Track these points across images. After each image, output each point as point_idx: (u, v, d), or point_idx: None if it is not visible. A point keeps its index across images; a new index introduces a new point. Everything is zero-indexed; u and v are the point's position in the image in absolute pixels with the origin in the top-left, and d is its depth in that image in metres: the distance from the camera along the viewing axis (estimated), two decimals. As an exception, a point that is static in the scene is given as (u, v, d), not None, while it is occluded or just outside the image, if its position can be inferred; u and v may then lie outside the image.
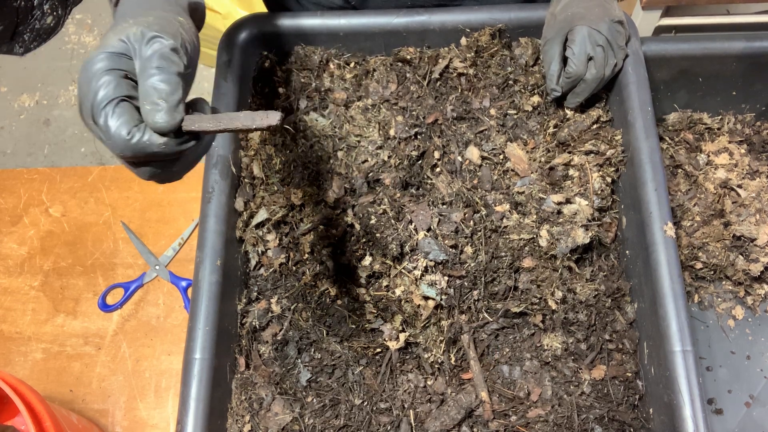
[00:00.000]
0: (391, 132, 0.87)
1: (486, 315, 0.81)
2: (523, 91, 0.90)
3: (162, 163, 0.49)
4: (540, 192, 0.83)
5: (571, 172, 0.85)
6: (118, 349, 0.98)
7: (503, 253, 0.82)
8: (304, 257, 0.83)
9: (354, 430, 0.78)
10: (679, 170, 0.97)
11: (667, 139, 0.99)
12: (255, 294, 0.84)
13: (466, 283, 0.81)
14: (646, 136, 0.81)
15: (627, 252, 0.85)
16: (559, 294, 0.81)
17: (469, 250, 0.81)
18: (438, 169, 0.87)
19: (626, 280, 0.85)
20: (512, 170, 0.86)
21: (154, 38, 0.47)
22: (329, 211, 0.83)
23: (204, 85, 2.10)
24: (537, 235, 0.81)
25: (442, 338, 0.81)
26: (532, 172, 0.85)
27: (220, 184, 0.81)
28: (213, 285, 0.77)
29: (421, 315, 0.80)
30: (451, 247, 0.81)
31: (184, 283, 1.01)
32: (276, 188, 0.86)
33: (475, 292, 0.81)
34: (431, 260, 0.80)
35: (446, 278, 0.80)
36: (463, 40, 0.91)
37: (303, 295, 0.83)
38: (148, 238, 1.05)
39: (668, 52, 0.91)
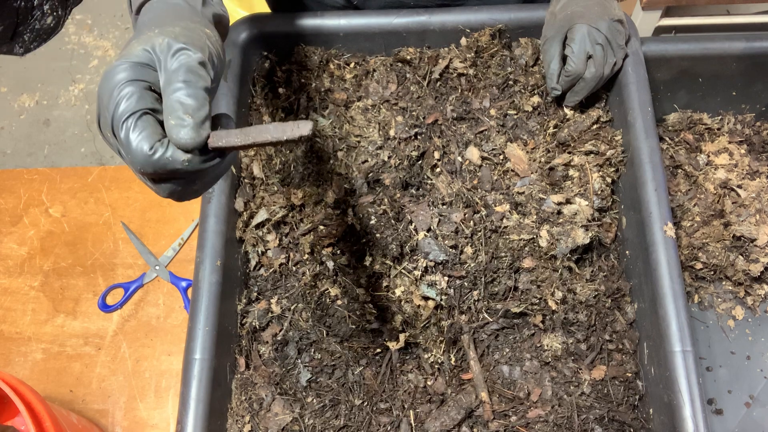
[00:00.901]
0: (391, 132, 0.88)
1: (486, 315, 0.81)
2: (523, 91, 0.90)
3: (183, 181, 0.46)
4: (540, 192, 0.83)
5: (571, 172, 0.85)
6: (118, 350, 0.98)
7: (503, 254, 0.82)
8: (304, 257, 0.83)
9: (354, 430, 0.78)
10: (679, 170, 0.97)
11: (667, 139, 0.99)
12: (255, 294, 0.84)
13: (466, 284, 0.81)
14: (646, 136, 0.81)
15: (627, 252, 0.85)
16: (559, 294, 0.81)
17: (469, 250, 0.81)
18: (438, 170, 0.87)
19: (626, 281, 0.85)
20: (512, 170, 0.86)
21: (180, 50, 0.44)
22: (329, 211, 0.83)
23: (204, 85, 2.10)
24: (537, 236, 0.81)
25: (442, 338, 0.81)
26: (532, 173, 0.85)
27: (220, 184, 0.81)
28: (213, 285, 0.77)
29: (421, 315, 0.80)
30: (451, 247, 0.81)
31: (184, 284, 1.01)
32: (276, 188, 0.86)
33: (475, 293, 0.81)
34: (431, 260, 0.80)
35: (446, 278, 0.80)
36: (463, 41, 0.91)
37: (303, 295, 0.83)
38: (148, 238, 1.05)
39: (668, 52, 0.91)
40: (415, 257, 0.81)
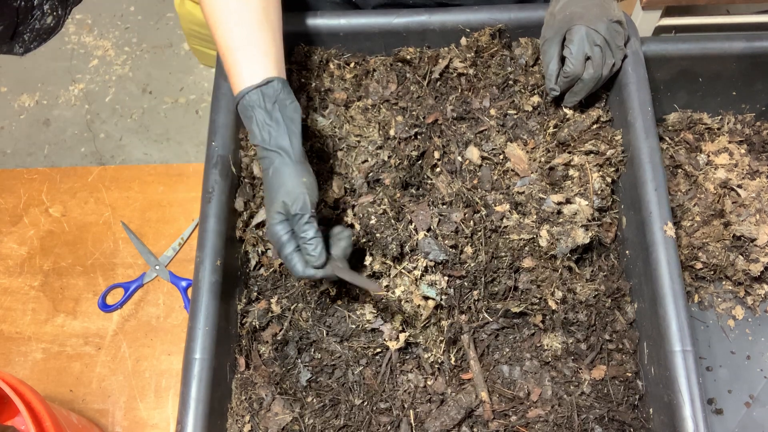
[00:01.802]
0: (391, 132, 0.88)
1: (486, 315, 0.81)
2: (523, 91, 0.90)
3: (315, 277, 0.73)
4: (540, 192, 0.83)
5: (571, 172, 0.85)
6: (118, 349, 0.98)
7: (503, 253, 0.82)
8: (304, 257, 0.83)
9: (354, 430, 0.78)
10: (679, 170, 0.97)
11: (667, 139, 0.99)
12: (255, 294, 0.84)
13: (466, 283, 0.81)
14: (646, 136, 0.81)
15: (627, 252, 0.85)
16: (559, 294, 0.81)
17: (469, 250, 0.81)
18: (438, 169, 0.87)
19: (626, 280, 0.85)
20: (512, 170, 0.86)
21: (299, 217, 0.69)
22: (329, 211, 0.83)
23: (204, 85, 2.10)
24: (537, 235, 0.81)
25: (442, 338, 0.81)
26: (532, 172, 0.85)
27: (220, 184, 0.81)
28: (213, 285, 0.77)
29: (421, 315, 0.80)
30: (451, 247, 0.81)
31: (184, 283, 1.01)
32: (276, 188, 0.86)
33: (475, 292, 0.81)
34: (431, 260, 0.80)
35: (446, 278, 0.80)
36: (463, 40, 0.91)
37: (303, 295, 0.83)
38: (148, 238, 1.05)
39: (668, 52, 0.91)
40: (415, 257, 0.81)
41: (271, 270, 0.85)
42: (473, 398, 0.79)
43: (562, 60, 0.82)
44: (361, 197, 0.84)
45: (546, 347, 0.82)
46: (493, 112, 0.89)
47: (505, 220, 0.82)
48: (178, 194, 1.08)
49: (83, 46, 2.18)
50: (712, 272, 0.93)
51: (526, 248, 0.82)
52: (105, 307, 1.00)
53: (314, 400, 0.79)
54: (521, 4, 0.91)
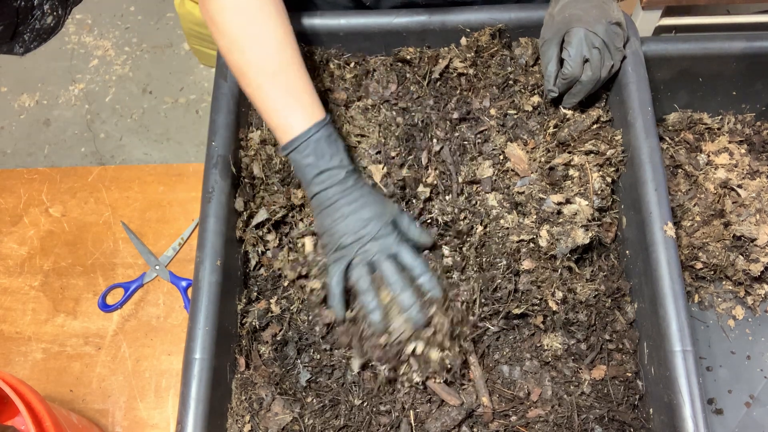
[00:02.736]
0: (391, 132, 0.87)
1: (487, 324, 0.81)
2: (523, 91, 0.90)
3: None
4: (540, 192, 0.83)
5: (571, 172, 0.85)
6: (118, 349, 0.98)
7: (503, 253, 0.82)
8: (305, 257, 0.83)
9: (354, 430, 0.78)
10: (679, 170, 0.97)
11: (667, 139, 0.99)
12: (255, 294, 0.84)
13: (466, 284, 0.81)
14: (646, 136, 0.81)
15: (627, 252, 0.85)
16: (559, 294, 0.81)
17: (470, 251, 0.81)
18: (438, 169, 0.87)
19: (626, 280, 0.85)
20: (512, 170, 0.86)
21: (408, 222, 0.77)
22: None
23: (204, 85, 2.10)
24: (537, 236, 0.81)
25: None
26: (532, 172, 0.85)
27: (220, 184, 0.81)
28: (213, 285, 0.77)
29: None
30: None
31: (184, 283, 1.01)
32: (276, 188, 0.86)
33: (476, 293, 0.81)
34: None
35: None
36: (463, 40, 0.91)
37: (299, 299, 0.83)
38: (148, 238, 1.06)
39: (668, 52, 0.91)
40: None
41: (271, 270, 0.85)
42: (473, 399, 0.79)
43: (561, 62, 0.82)
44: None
45: (546, 347, 0.82)
46: (493, 112, 0.89)
47: (504, 221, 0.82)
48: (178, 194, 1.08)
49: (83, 46, 2.18)
50: (712, 272, 0.93)
51: (524, 249, 0.82)
52: (105, 307, 1.00)
53: (314, 401, 0.79)
54: (521, 4, 0.91)
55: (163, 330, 0.99)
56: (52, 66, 2.14)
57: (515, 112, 0.89)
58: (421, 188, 0.85)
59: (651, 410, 0.77)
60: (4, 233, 1.06)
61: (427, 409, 0.79)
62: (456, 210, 0.83)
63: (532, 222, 0.82)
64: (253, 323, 0.82)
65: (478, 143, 0.88)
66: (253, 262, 0.85)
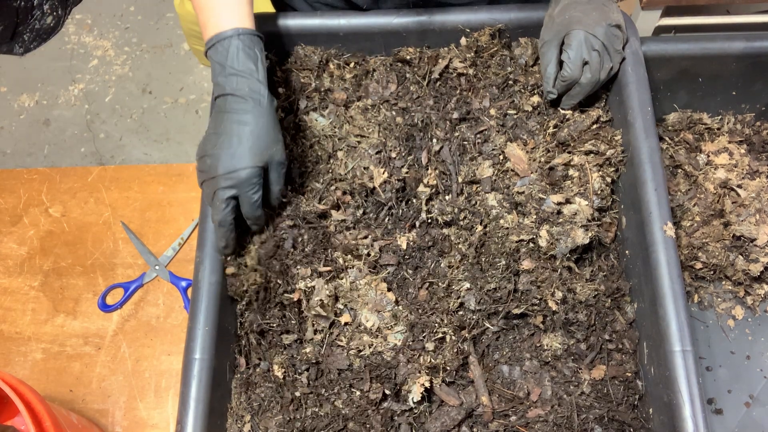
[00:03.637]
0: (391, 132, 0.87)
1: (487, 324, 0.81)
2: (523, 91, 0.90)
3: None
4: (540, 192, 0.83)
5: (570, 172, 0.85)
6: (118, 349, 0.98)
7: (502, 253, 0.82)
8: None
9: (354, 430, 0.78)
10: (679, 170, 0.97)
11: (667, 139, 0.99)
12: (255, 294, 0.84)
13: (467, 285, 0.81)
14: (646, 136, 0.81)
15: (627, 252, 0.85)
16: (559, 294, 0.81)
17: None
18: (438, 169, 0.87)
19: (626, 280, 0.85)
20: (512, 170, 0.86)
21: (281, 166, 0.76)
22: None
23: (204, 85, 2.10)
24: (537, 236, 0.81)
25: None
26: (532, 172, 0.85)
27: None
28: (213, 285, 0.77)
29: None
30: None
31: (184, 283, 1.01)
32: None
33: (476, 294, 0.81)
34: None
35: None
36: (463, 40, 0.91)
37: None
38: (148, 238, 1.06)
39: (668, 52, 0.91)
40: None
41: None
42: (473, 399, 0.79)
43: (560, 63, 0.82)
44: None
45: (546, 347, 0.82)
46: (493, 112, 0.89)
47: (504, 221, 0.82)
48: (178, 194, 1.08)
49: (83, 46, 2.18)
50: (712, 272, 0.93)
51: (523, 249, 0.82)
52: (105, 307, 1.00)
53: (314, 400, 0.79)
54: (521, 4, 0.91)
55: (163, 330, 0.99)
56: (52, 66, 2.14)
57: (515, 112, 0.89)
58: (421, 188, 0.85)
59: (651, 410, 0.77)
60: (4, 233, 1.06)
61: (427, 408, 0.79)
62: (456, 210, 0.83)
63: (532, 222, 0.82)
64: (253, 323, 0.82)
65: (478, 143, 0.88)
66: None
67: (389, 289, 0.81)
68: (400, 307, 0.80)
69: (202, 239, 0.79)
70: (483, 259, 0.82)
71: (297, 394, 0.79)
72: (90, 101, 2.08)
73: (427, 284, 0.82)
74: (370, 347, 0.78)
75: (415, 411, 0.78)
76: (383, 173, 0.84)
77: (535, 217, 0.82)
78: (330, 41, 0.92)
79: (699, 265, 0.92)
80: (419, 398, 0.75)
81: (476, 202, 0.85)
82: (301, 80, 0.92)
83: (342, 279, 0.80)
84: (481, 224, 0.83)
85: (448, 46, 0.93)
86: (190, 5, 1.77)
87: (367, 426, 0.77)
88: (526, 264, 0.81)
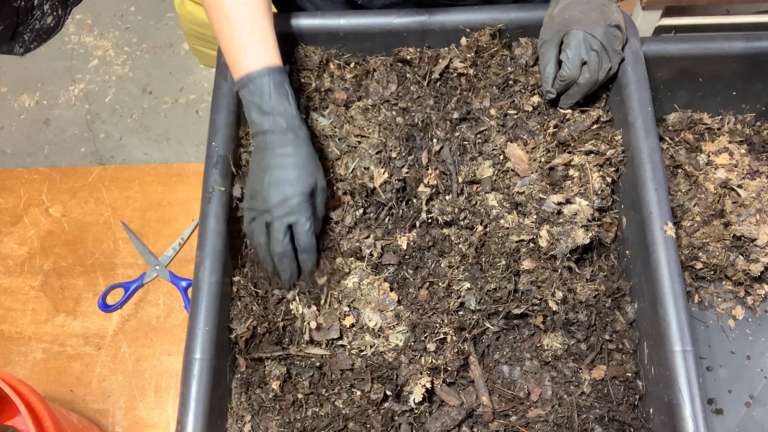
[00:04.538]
0: (391, 132, 0.87)
1: (487, 323, 0.81)
2: (523, 91, 0.90)
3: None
4: (540, 192, 0.83)
5: (571, 172, 0.85)
6: (118, 349, 0.98)
7: (503, 254, 0.82)
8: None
9: (355, 430, 0.78)
10: (679, 170, 0.97)
11: (667, 139, 0.99)
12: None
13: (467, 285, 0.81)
14: (646, 136, 0.81)
15: (627, 252, 0.85)
16: (559, 294, 0.81)
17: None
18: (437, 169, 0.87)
19: (626, 280, 0.85)
20: (512, 170, 0.86)
21: (323, 194, 0.78)
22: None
23: (204, 85, 2.10)
24: (537, 236, 0.81)
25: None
26: (532, 172, 0.85)
27: (220, 184, 0.81)
28: (213, 285, 0.77)
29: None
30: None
31: (184, 283, 1.01)
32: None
33: (476, 295, 0.81)
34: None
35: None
36: (463, 40, 0.91)
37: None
38: (148, 238, 1.06)
39: (668, 52, 0.91)
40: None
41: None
42: (473, 399, 0.79)
43: (559, 63, 0.82)
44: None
45: (546, 347, 0.82)
46: (493, 112, 0.89)
47: (504, 221, 0.82)
48: (178, 194, 1.08)
49: (83, 46, 2.18)
50: (712, 272, 0.93)
51: (524, 249, 0.82)
52: (105, 307, 1.00)
53: (315, 400, 0.79)
54: (521, 5, 0.91)
55: (163, 330, 0.99)
56: (52, 66, 2.14)
57: (515, 112, 0.89)
58: (421, 188, 0.85)
59: (651, 410, 0.77)
60: (4, 233, 1.06)
61: (428, 409, 0.79)
62: (456, 210, 0.83)
63: (532, 222, 0.82)
64: (253, 323, 0.82)
65: (478, 143, 0.88)
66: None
67: (391, 289, 0.81)
68: (402, 307, 0.80)
69: (202, 239, 0.79)
70: (483, 259, 0.82)
71: (298, 395, 0.79)
72: (90, 101, 2.08)
73: (428, 284, 0.82)
74: (371, 347, 0.78)
75: (416, 411, 0.78)
76: (383, 173, 0.83)
77: (535, 217, 0.82)
78: (330, 41, 0.92)
79: (699, 265, 0.92)
80: (420, 399, 0.75)
81: (476, 202, 0.85)
82: (301, 80, 0.92)
83: (346, 280, 0.80)
84: (481, 224, 0.83)
85: (449, 46, 0.93)
86: (190, 5, 1.77)
87: (368, 426, 0.77)
88: (527, 264, 0.81)
